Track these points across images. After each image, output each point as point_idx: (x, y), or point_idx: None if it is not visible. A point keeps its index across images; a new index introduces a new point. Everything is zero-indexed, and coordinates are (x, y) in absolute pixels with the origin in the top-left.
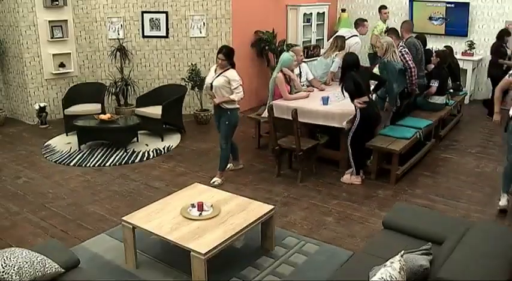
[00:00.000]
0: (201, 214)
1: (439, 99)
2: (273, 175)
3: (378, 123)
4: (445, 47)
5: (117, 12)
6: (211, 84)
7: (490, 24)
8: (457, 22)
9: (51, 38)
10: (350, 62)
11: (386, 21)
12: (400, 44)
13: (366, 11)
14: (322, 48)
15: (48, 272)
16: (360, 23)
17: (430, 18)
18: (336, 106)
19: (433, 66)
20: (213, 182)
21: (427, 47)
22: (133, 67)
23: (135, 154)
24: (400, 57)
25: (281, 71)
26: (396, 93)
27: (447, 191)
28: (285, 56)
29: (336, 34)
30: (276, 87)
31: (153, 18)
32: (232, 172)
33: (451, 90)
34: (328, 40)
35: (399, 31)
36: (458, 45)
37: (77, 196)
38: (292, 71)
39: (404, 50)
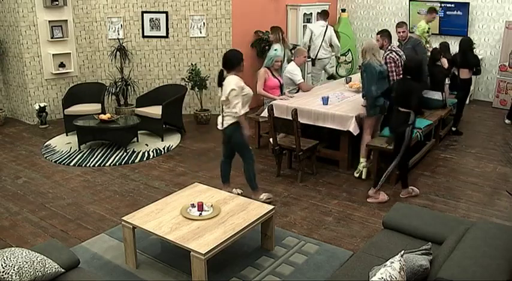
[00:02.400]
0: (201, 214)
1: (436, 95)
2: (273, 175)
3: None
4: (441, 43)
5: (117, 12)
6: None
7: (490, 24)
8: (457, 22)
9: (51, 38)
10: (407, 66)
11: (430, 22)
12: (389, 47)
13: (366, 11)
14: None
15: (48, 272)
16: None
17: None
18: (335, 107)
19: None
20: (262, 197)
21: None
22: (133, 67)
23: (135, 154)
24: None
25: (267, 68)
26: (374, 97)
27: (447, 191)
28: (270, 53)
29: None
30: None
31: (153, 18)
32: (233, 171)
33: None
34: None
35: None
36: (458, 45)
37: (77, 196)
38: (278, 69)
39: (390, 57)
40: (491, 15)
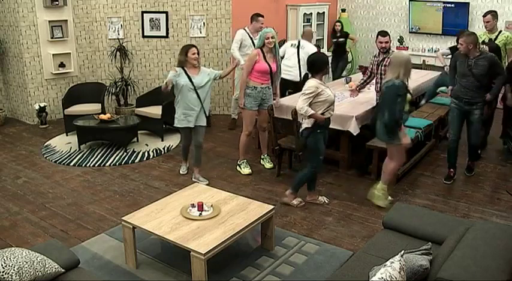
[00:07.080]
0: (201, 214)
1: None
2: (273, 175)
3: None
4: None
5: (117, 12)
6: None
7: None
8: (457, 22)
9: (51, 38)
10: None
11: None
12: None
13: (366, 11)
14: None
15: (48, 272)
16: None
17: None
18: (335, 107)
19: None
20: (293, 202)
21: None
22: (133, 67)
23: (135, 154)
24: None
25: (260, 48)
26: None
27: (447, 191)
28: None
29: None
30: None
31: (153, 18)
32: (232, 172)
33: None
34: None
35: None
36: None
37: (77, 196)
38: (272, 50)
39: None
40: None
